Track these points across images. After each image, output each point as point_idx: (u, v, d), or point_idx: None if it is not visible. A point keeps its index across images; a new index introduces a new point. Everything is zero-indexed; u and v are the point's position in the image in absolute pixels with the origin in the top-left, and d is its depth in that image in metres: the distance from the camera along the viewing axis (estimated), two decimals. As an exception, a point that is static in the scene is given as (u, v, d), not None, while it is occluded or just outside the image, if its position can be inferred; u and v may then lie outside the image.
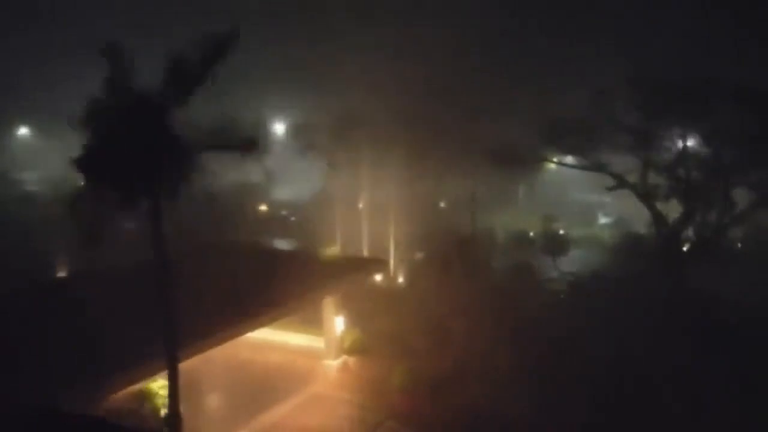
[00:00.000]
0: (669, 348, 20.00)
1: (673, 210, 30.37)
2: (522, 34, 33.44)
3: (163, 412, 16.44)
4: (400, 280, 31.25)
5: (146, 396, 16.67)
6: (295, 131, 35.54)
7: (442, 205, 40.17)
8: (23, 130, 57.16)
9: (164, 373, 15.68)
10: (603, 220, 42.68)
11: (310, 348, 22.32)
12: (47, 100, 48.19)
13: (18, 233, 34.13)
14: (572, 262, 32.45)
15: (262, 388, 19.41)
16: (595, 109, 28.17)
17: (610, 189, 31.13)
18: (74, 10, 47.60)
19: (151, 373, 14.90)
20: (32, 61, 48.75)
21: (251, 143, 12.79)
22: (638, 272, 27.49)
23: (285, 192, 44.05)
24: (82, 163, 11.76)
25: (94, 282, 21.03)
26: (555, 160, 33.33)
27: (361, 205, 33.61)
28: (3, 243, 31.47)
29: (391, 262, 30.91)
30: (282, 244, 36.32)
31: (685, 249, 30.22)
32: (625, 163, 29.76)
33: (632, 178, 29.70)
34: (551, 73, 32.24)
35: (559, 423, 17.25)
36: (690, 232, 30.25)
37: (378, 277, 27.94)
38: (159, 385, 16.91)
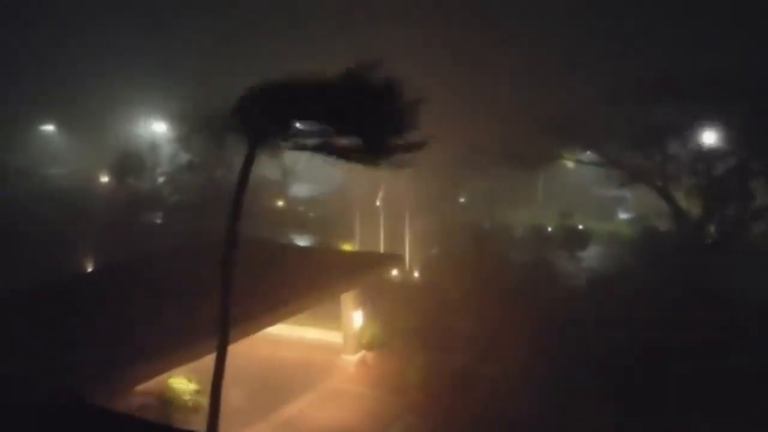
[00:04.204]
0: (691, 347, 19.84)
1: (694, 205, 30.13)
2: (532, 31, 33.29)
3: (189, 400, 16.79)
4: (418, 275, 31.33)
5: (170, 392, 16.98)
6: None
7: (461, 200, 40.16)
8: (48, 127, 58.07)
9: (188, 369, 16.06)
10: (623, 215, 42.27)
11: (329, 343, 22.48)
12: (71, 97, 49.10)
13: (44, 227, 34.83)
14: (592, 258, 32.26)
15: (280, 383, 19.61)
16: (608, 104, 28.03)
17: (623, 185, 30.97)
18: (92, 11, 48.27)
19: (175, 365, 15.22)
20: (56, 59, 49.55)
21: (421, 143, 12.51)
22: (658, 268, 27.26)
23: (303, 189, 44.36)
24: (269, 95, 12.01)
25: (119, 273, 21.45)
26: (570, 157, 33.19)
27: (378, 202, 33.70)
28: (29, 236, 32.12)
29: (408, 257, 31.00)
30: (300, 240, 36.59)
31: (707, 244, 29.94)
32: (642, 158, 29.58)
33: (651, 174, 29.49)
34: (564, 69, 32.06)
35: (578, 421, 17.21)
36: (712, 228, 29.96)
37: (395, 273, 28.03)
38: (180, 381, 17.21)
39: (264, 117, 12.13)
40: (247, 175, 12.25)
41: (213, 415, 12.38)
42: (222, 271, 12.33)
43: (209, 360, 12.86)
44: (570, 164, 36.13)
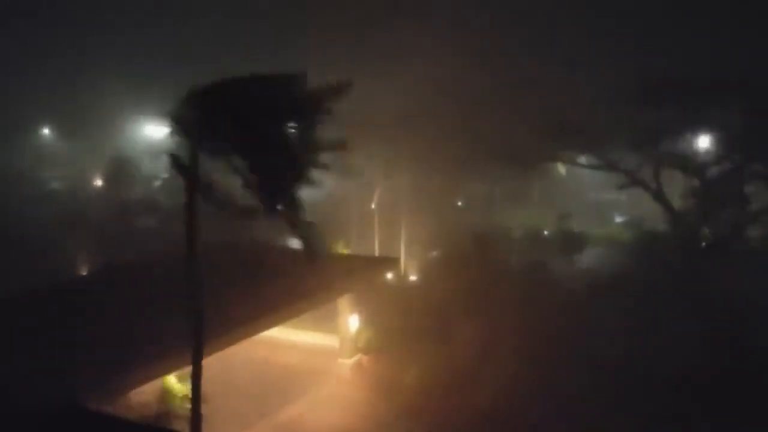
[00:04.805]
0: (687, 349, 19.95)
1: (689, 208, 30.22)
2: (528, 32, 33.36)
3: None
4: (415, 278, 31.36)
5: (166, 395, 16.94)
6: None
7: (459, 203, 40.25)
8: (46, 131, 58.05)
9: (182, 372, 16.05)
10: (619, 218, 42.42)
11: (325, 347, 22.47)
12: (69, 100, 49.13)
13: (40, 230, 34.81)
14: (588, 261, 32.36)
15: (276, 387, 19.61)
16: (602, 106, 28.14)
17: (621, 187, 31.09)
18: (92, 14, 48.28)
19: (170, 370, 15.20)
20: (53, 62, 49.55)
21: (343, 144, 12.14)
22: (655, 271, 27.37)
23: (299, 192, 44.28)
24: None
25: (115, 277, 21.44)
26: (566, 159, 33.30)
27: (373, 205, 33.74)
28: (23, 240, 32.09)
29: (405, 260, 31.04)
30: (296, 243, 36.56)
31: (703, 247, 30.05)
32: (638, 161, 29.69)
33: (646, 177, 29.62)
34: (558, 71, 32.14)
35: (573, 423, 17.26)
36: (707, 230, 30.08)
37: (392, 276, 28.06)
38: (178, 385, 17.19)
39: (199, 124, 11.49)
40: (193, 187, 11.48)
41: (195, 421, 12.29)
42: (188, 287, 11.84)
43: (208, 362, 12.83)
44: (567, 167, 36.22)
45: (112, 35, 48.73)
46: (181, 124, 11.57)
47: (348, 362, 21.91)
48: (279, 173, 11.48)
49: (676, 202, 30.20)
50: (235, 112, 11.31)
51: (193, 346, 11.93)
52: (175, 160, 11.58)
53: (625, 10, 34.83)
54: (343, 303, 22.10)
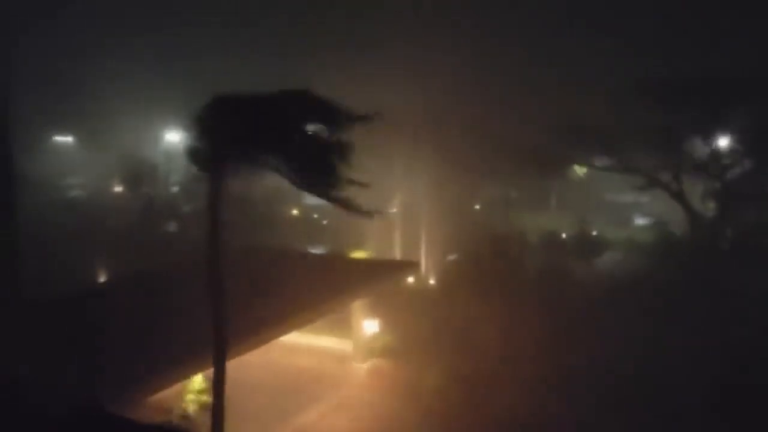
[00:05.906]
0: (709, 355, 19.70)
1: (710, 209, 29.86)
2: (547, 34, 33.24)
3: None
4: (433, 282, 31.28)
5: (186, 398, 17.07)
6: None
7: (476, 207, 40.12)
8: (66, 138, 58.80)
9: (201, 375, 16.18)
10: (639, 221, 41.96)
11: (340, 351, 22.49)
12: (86, 107, 49.74)
13: (63, 237, 35.24)
14: (607, 265, 32.06)
15: (292, 391, 19.63)
16: (618, 109, 27.95)
17: (641, 189, 30.84)
18: (109, 21, 48.91)
19: (191, 374, 15.33)
20: (71, 69, 50.19)
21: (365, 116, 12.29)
22: (676, 274, 27.05)
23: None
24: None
25: (139, 283, 21.64)
26: (583, 162, 33.08)
27: (393, 210, 33.71)
28: (46, 247, 32.46)
29: (423, 264, 30.98)
30: (314, 248, 36.68)
31: (725, 248, 29.65)
32: (658, 163, 29.41)
33: (665, 178, 29.34)
34: (576, 73, 31.96)
35: (595, 427, 17.09)
36: (729, 231, 29.69)
37: (410, 279, 28.03)
38: (198, 386, 17.30)
39: (225, 130, 11.75)
40: (217, 191, 11.78)
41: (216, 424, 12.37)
42: (210, 289, 12.08)
43: (226, 366, 12.92)
44: (585, 170, 35.98)
45: (131, 40, 49.34)
46: (206, 129, 11.81)
47: (363, 366, 21.91)
48: (315, 169, 11.99)
49: (697, 204, 29.84)
50: (266, 120, 11.74)
51: (214, 350, 12.05)
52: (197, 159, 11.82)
53: (644, 11, 34.64)
54: (358, 307, 22.11)
